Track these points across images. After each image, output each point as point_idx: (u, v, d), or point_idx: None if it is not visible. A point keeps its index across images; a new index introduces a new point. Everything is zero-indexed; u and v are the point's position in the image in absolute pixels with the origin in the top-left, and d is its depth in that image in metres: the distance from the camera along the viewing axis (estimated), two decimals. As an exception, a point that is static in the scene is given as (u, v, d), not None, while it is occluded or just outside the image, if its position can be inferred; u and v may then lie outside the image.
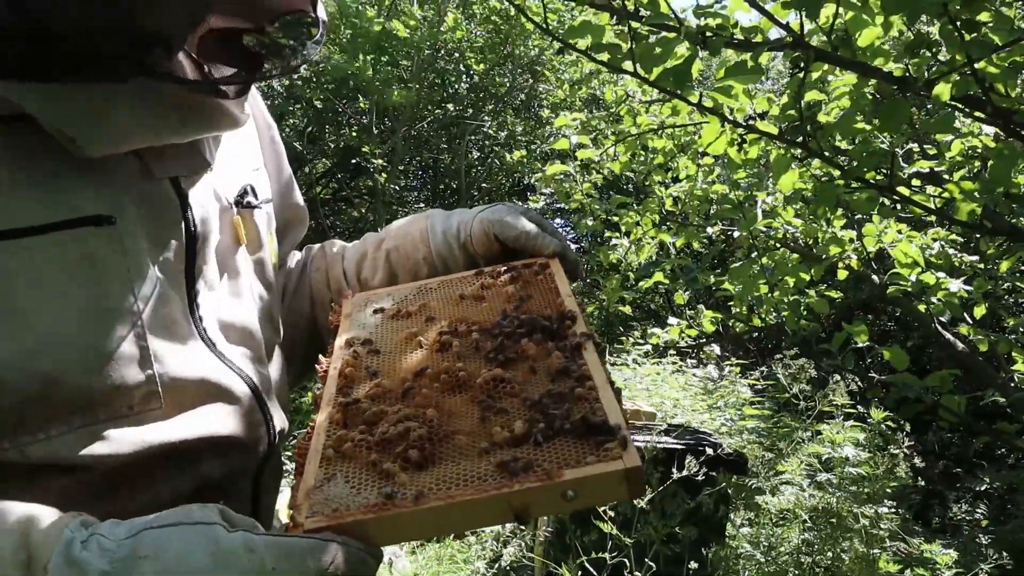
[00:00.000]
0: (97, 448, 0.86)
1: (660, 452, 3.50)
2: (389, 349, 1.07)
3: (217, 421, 0.97)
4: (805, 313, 3.49)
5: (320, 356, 1.09)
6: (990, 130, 2.58)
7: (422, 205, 13.94)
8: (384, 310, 1.16)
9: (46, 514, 0.74)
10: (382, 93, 9.77)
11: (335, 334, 1.13)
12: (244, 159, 1.13)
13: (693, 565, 3.10)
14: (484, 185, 13.11)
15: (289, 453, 1.20)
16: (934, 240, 3.36)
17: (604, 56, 2.17)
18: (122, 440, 0.87)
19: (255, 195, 1.11)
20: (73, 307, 0.84)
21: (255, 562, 0.71)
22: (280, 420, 1.08)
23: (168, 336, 0.92)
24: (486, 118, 11.83)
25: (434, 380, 0.97)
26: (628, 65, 2.14)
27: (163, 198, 0.94)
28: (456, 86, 11.31)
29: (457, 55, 10.47)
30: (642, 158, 3.98)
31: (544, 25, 2.30)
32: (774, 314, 3.59)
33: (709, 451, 3.46)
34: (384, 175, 10.85)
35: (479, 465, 0.82)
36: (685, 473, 2.78)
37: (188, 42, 0.91)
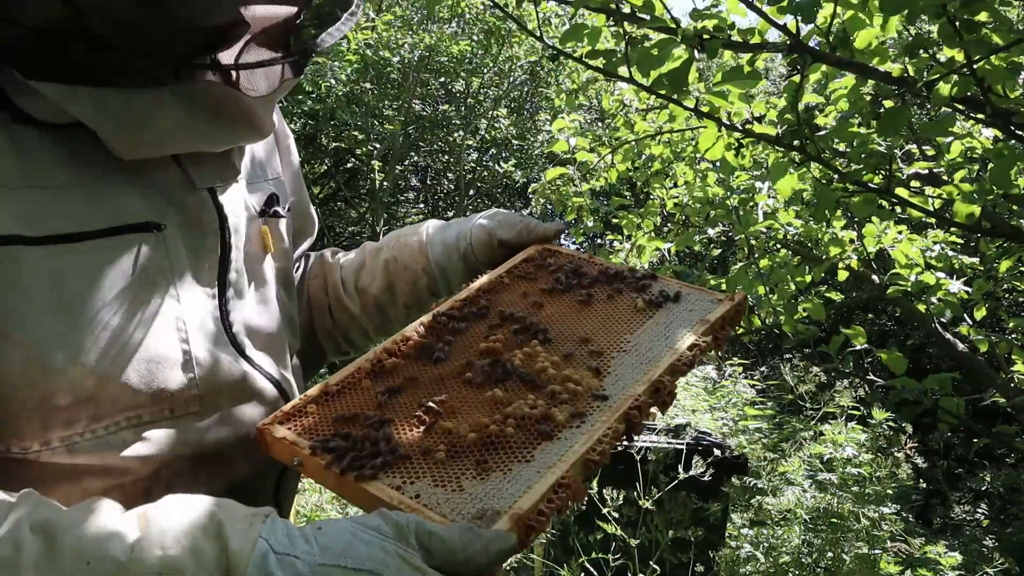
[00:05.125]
0: (139, 449, 0.89)
1: (662, 453, 3.48)
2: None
3: (248, 421, 1.00)
4: (803, 315, 3.47)
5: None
6: (989, 132, 2.56)
7: (421, 205, 13.91)
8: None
9: (236, 514, 0.77)
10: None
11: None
12: (265, 168, 1.16)
13: (699, 568, 3.08)
14: (481, 185, 13.07)
15: None
16: (934, 243, 3.34)
17: (599, 62, 2.15)
18: (162, 441, 0.91)
19: (279, 204, 1.13)
20: (124, 309, 0.87)
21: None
22: None
23: (205, 341, 0.95)
24: (483, 120, 11.78)
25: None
26: (624, 70, 2.12)
27: (202, 207, 0.98)
28: (450, 85, 11.27)
29: (446, 69, 10.44)
30: (638, 165, 3.96)
31: (539, 33, 2.29)
32: (773, 316, 3.57)
33: (717, 452, 3.42)
34: (381, 176, 10.83)
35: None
36: (692, 473, 2.75)
37: (228, 44, 0.92)
